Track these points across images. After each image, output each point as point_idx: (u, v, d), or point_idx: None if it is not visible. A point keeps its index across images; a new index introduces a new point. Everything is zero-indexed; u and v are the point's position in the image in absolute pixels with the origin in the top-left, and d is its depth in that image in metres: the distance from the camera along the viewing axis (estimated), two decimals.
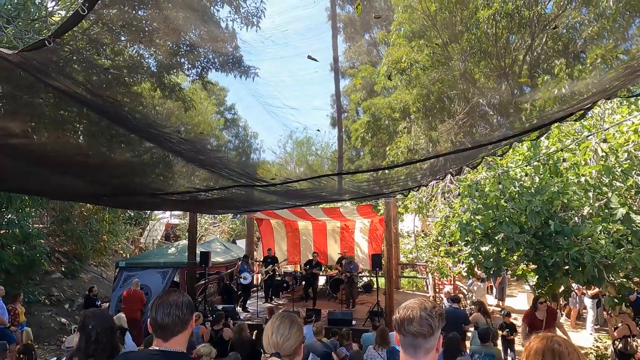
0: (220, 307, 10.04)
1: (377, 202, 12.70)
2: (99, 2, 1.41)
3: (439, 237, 10.99)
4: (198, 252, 10.86)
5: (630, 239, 5.15)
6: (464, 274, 9.91)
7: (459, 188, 9.41)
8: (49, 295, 12.57)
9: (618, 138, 5.35)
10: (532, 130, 3.45)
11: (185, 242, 12.12)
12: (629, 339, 6.98)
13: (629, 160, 5.36)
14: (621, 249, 4.98)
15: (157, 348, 1.79)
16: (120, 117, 2.82)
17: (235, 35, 9.87)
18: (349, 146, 20.65)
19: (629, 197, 5.59)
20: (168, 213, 25.52)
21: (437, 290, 13.41)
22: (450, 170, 6.01)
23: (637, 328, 7.81)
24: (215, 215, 22.35)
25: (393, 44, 13.11)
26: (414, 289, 15.45)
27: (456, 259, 10.84)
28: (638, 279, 9.57)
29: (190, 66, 10.21)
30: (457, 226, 7.53)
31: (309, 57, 2.09)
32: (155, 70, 8.89)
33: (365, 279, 13.96)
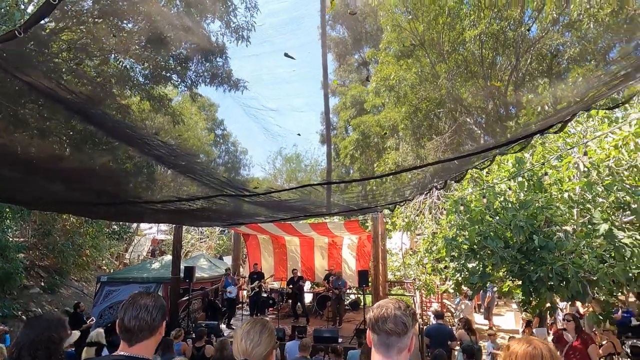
0: (203, 323, 9.80)
1: (365, 219, 12.67)
2: None
3: (426, 254, 10.96)
4: (182, 267, 10.67)
5: (612, 254, 5.17)
6: (451, 290, 9.87)
7: (445, 204, 9.45)
8: (26, 311, 12.17)
9: (599, 154, 5.43)
10: (514, 142, 3.48)
11: (169, 257, 11.92)
12: (613, 357, 6.94)
13: (610, 176, 5.43)
14: (604, 264, 4.99)
15: (122, 353, 1.70)
16: (99, 120, 2.78)
17: (225, 48, 9.87)
18: (338, 163, 20.75)
19: (611, 213, 5.64)
20: (154, 229, 25.19)
21: (425, 308, 13.31)
22: (436, 184, 6.04)
23: (622, 347, 7.81)
24: (202, 231, 22.09)
25: (382, 62, 13.33)
26: None
27: (443, 276, 10.80)
28: (623, 297, 9.62)
29: (179, 80, 10.24)
30: (443, 242, 7.51)
31: (286, 54, 2.09)
32: (143, 81, 8.89)
33: (352, 297, 13.81)
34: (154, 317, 1.71)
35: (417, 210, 11.88)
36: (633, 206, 5.28)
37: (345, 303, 12.78)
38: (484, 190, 6.64)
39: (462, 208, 6.74)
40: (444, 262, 9.17)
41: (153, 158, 3.30)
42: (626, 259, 5.02)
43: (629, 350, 7.97)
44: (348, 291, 12.94)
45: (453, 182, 5.74)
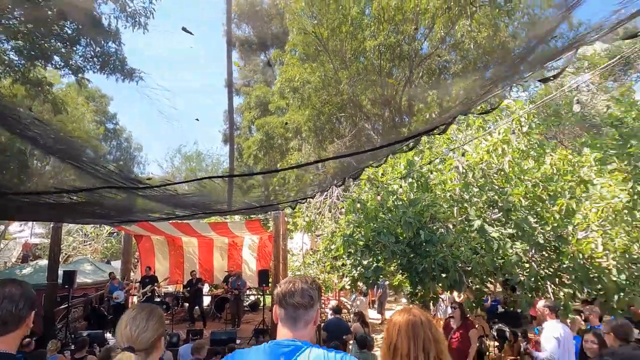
0: (85, 333, 8.88)
1: (266, 218, 12.64)
2: None
3: (325, 253, 11.30)
4: (61, 272, 9.57)
5: (484, 246, 5.88)
6: (348, 287, 10.31)
7: (344, 204, 9.86)
8: None
9: (475, 158, 6.16)
10: (404, 140, 3.78)
11: (45, 262, 10.60)
12: (483, 339, 7.88)
13: (483, 178, 6.19)
14: (477, 255, 5.66)
15: None
16: None
17: (119, 33, 9.08)
18: (241, 163, 20.42)
19: (484, 210, 6.41)
20: (27, 231, 22.18)
21: (323, 305, 13.67)
22: (335, 182, 6.30)
23: (490, 330, 8.95)
24: (87, 233, 20.03)
25: (287, 64, 13.50)
26: None
27: (340, 273, 11.23)
28: (492, 287, 10.96)
29: (63, 63, 9.16)
30: (341, 240, 7.83)
31: (184, 29, 2.00)
32: (17, 60, 7.77)
33: (252, 297, 13.69)
34: (20, 307, 1.52)
35: (318, 210, 12.21)
36: (500, 205, 6.07)
37: (245, 304, 12.61)
38: (379, 189, 7.08)
39: (358, 205, 7.10)
40: (341, 259, 9.55)
41: (28, 140, 2.91)
42: (494, 250, 5.75)
43: (495, 333, 9.18)
44: (248, 292, 12.79)
45: (351, 179, 6.04)
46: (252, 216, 12.40)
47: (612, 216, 5.39)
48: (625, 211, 5.53)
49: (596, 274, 5.44)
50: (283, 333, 1.59)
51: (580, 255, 5.40)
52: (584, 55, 12.74)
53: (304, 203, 9.13)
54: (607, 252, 5.26)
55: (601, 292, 5.91)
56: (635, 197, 6.11)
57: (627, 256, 5.22)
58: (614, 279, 5.22)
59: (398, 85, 12.87)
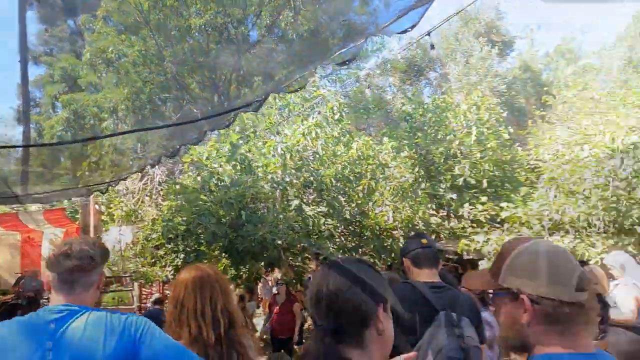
0: None
1: (74, 207, 11.04)
2: None
3: (145, 243, 10.48)
4: None
5: (300, 225, 6.31)
6: (172, 277, 9.78)
7: (165, 188, 9.33)
8: None
9: (292, 140, 6.54)
10: (222, 114, 3.78)
11: None
12: (302, 312, 8.53)
13: (300, 161, 6.62)
14: (293, 232, 6.04)
15: None
16: None
17: None
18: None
19: (302, 192, 6.86)
20: None
21: (145, 300, 12.70)
22: (151, 162, 5.90)
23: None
24: None
25: (99, 32, 11.89)
26: (119, 303, 14.15)
27: (163, 264, 10.61)
28: (314, 266, 11.88)
29: None
30: (162, 227, 7.40)
31: None
32: None
33: None
34: None
35: (137, 197, 11.24)
36: (315, 185, 6.59)
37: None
38: (199, 170, 6.91)
39: (177, 187, 6.79)
40: (163, 248, 9.01)
41: None
42: (310, 227, 6.23)
43: None
44: (48, 293, 10.99)
45: (168, 158, 5.72)
46: (54, 204, 10.62)
47: (401, 193, 6.44)
48: (411, 189, 6.66)
49: (389, 243, 6.42)
50: (56, 300, 1.39)
51: (377, 227, 6.29)
52: (386, 60, 14.86)
53: (115, 186, 8.32)
54: (397, 223, 6.26)
55: (395, 260, 7.00)
56: (420, 179, 7.42)
57: (411, 226, 6.32)
58: (401, 246, 6.24)
59: (227, 71, 12.73)
